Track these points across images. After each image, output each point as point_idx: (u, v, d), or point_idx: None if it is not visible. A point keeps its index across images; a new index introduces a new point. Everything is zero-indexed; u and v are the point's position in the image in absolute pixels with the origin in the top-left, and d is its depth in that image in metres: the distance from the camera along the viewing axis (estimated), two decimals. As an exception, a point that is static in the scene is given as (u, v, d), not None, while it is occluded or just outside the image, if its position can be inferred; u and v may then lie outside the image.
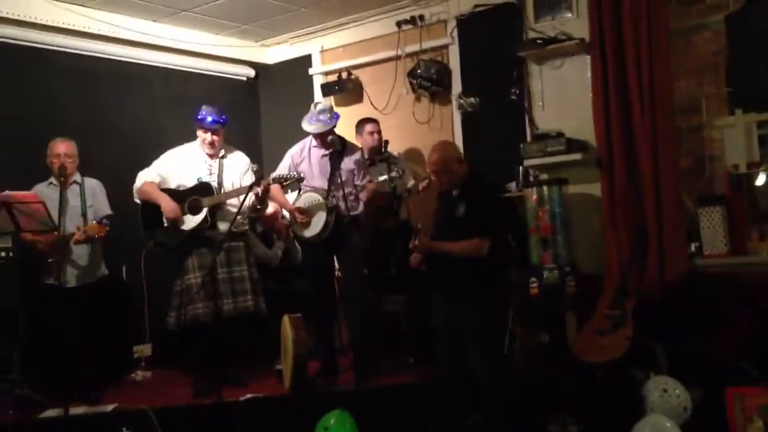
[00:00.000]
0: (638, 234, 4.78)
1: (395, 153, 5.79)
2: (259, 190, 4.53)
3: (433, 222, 4.22)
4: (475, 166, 4.12)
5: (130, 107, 6.13)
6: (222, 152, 4.92)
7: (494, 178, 5.41)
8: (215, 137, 4.83)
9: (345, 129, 5.34)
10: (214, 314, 4.48)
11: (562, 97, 5.37)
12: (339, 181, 4.84)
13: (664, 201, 4.78)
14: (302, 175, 4.86)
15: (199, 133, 4.86)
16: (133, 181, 4.86)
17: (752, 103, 4.25)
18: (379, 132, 5.69)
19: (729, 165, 5.11)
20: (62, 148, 4.83)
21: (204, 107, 4.89)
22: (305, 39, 6.89)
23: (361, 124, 5.77)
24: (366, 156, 5.43)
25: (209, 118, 4.82)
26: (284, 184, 4.81)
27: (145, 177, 4.84)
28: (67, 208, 4.65)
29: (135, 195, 4.86)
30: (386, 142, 5.67)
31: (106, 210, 4.99)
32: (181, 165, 4.86)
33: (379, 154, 5.61)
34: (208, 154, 4.87)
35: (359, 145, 5.40)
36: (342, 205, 4.83)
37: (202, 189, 4.75)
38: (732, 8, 4.56)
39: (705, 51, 5.45)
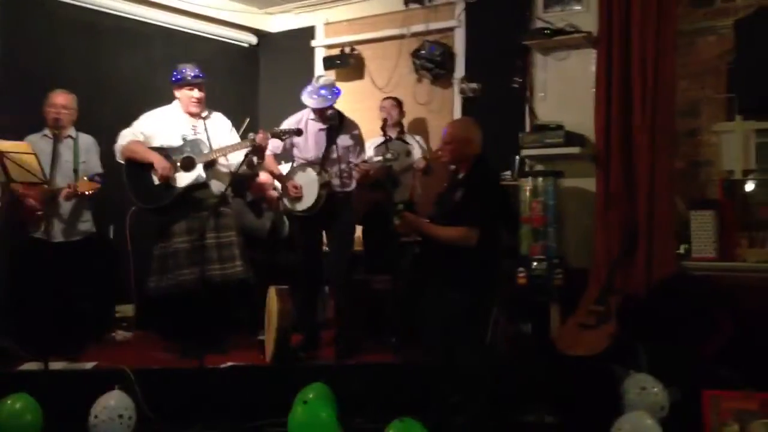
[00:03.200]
0: (628, 231, 4.80)
1: (411, 136, 5.75)
2: (256, 139, 4.48)
3: (435, 202, 4.20)
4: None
5: (129, 65, 6.08)
6: (204, 113, 4.82)
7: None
8: (202, 93, 4.72)
9: (344, 104, 5.30)
10: (201, 280, 4.42)
11: (565, 90, 5.36)
12: (334, 156, 4.81)
13: (657, 201, 4.80)
14: (299, 144, 4.84)
15: (183, 92, 4.72)
16: (125, 140, 4.80)
17: (755, 110, 4.25)
18: (392, 108, 5.65)
19: (724, 171, 5.14)
20: (60, 99, 4.78)
21: (179, 65, 4.76)
22: (310, 10, 6.83)
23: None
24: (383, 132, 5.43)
25: (192, 73, 4.70)
26: (283, 137, 4.75)
27: (129, 136, 4.69)
28: (59, 162, 4.60)
29: (118, 155, 4.71)
30: (385, 120, 5.59)
31: (98, 168, 4.91)
32: (163, 125, 4.73)
33: (396, 132, 5.57)
34: (193, 114, 4.76)
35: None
36: (336, 181, 4.81)
37: (194, 146, 4.66)
38: (741, 14, 4.55)
39: (708, 54, 5.45)
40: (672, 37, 4.80)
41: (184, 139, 4.69)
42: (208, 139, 4.71)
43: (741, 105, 4.35)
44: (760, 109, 4.30)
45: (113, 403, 3.54)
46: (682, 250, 4.84)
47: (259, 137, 4.55)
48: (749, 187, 5.04)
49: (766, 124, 4.81)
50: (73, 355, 4.46)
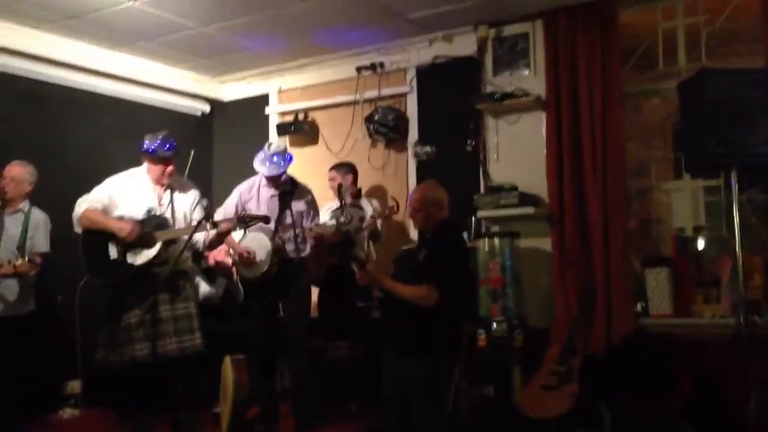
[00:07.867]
0: (586, 291, 4.81)
1: (367, 200, 5.67)
2: (223, 227, 4.30)
3: (398, 262, 4.15)
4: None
5: (79, 135, 5.96)
6: (174, 181, 4.59)
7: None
8: (174, 167, 4.49)
9: (298, 169, 5.29)
10: (155, 355, 4.15)
11: (517, 152, 5.43)
12: (288, 222, 4.76)
13: (612, 259, 4.84)
14: (252, 211, 4.75)
15: (153, 165, 4.46)
16: (77, 211, 4.66)
17: (701, 169, 4.35)
18: (342, 175, 5.53)
19: (675, 228, 5.23)
20: (10, 171, 4.75)
21: (151, 136, 4.49)
22: (263, 78, 6.85)
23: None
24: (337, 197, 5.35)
25: (166, 146, 4.43)
26: (249, 224, 4.50)
27: (86, 204, 4.41)
28: (2, 235, 4.46)
29: (76, 224, 4.42)
30: (340, 186, 5.53)
31: (43, 247, 4.76)
32: (127, 194, 4.46)
33: (351, 197, 5.50)
34: (161, 184, 4.52)
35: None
36: (290, 246, 4.75)
37: (156, 222, 4.38)
38: (683, 76, 4.70)
39: (654, 116, 5.62)
40: (618, 99, 4.92)
41: (148, 212, 4.41)
42: (173, 213, 4.48)
43: (687, 164, 4.45)
44: (705, 168, 4.39)
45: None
46: (639, 308, 4.87)
47: (225, 225, 4.36)
48: (701, 243, 5.13)
49: (713, 182, 4.93)
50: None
